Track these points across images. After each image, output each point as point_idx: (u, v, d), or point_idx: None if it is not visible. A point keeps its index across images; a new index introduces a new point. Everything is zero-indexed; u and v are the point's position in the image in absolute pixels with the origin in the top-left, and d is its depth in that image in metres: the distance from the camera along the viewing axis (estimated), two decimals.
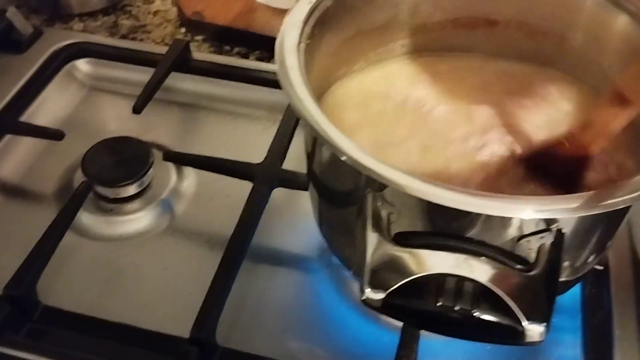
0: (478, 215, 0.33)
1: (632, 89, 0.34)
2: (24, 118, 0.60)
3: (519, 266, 0.30)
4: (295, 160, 0.53)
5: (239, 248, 0.47)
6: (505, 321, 0.29)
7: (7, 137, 0.58)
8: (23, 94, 0.61)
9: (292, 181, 0.52)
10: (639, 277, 0.47)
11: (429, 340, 0.43)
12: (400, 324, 0.42)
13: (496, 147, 0.41)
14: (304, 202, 0.48)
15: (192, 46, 0.64)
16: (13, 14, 0.64)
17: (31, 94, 0.61)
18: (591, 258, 0.40)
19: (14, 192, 0.55)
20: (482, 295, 0.29)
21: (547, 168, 0.39)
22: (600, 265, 0.47)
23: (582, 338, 0.45)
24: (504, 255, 0.30)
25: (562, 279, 0.40)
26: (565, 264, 0.39)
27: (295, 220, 0.52)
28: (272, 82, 0.60)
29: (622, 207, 0.30)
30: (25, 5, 0.71)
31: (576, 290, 0.47)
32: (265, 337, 0.45)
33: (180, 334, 0.43)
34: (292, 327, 0.46)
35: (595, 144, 0.37)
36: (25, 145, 0.58)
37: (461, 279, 0.29)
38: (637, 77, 0.34)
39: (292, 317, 0.47)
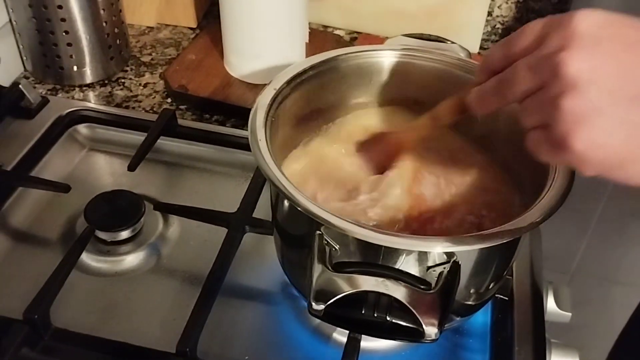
0: (403, 250, 0.44)
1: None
2: (33, 173, 0.68)
3: (422, 286, 0.41)
4: (263, 210, 0.61)
5: (215, 283, 0.57)
6: (410, 324, 0.40)
7: (19, 190, 0.66)
8: (32, 154, 0.69)
9: (261, 227, 0.61)
10: (537, 305, 0.58)
11: (368, 354, 0.54)
12: (344, 341, 0.52)
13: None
14: (270, 245, 0.58)
15: (177, 114, 0.73)
16: (25, 85, 0.73)
17: (39, 154, 0.70)
18: (492, 285, 0.52)
19: (25, 236, 0.64)
20: (394, 306, 0.41)
21: None
22: (505, 296, 0.58)
23: (489, 356, 0.56)
24: (410, 279, 0.41)
25: (469, 302, 0.52)
26: (471, 290, 0.50)
27: (263, 260, 0.61)
28: (245, 145, 0.66)
29: (492, 245, 0.42)
30: (32, 77, 0.81)
31: (486, 318, 0.58)
32: (236, 354, 0.55)
33: (167, 350, 0.52)
34: (258, 345, 0.56)
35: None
36: (34, 197, 0.66)
37: (379, 295, 0.40)
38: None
39: (259, 338, 0.56)
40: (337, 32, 0.91)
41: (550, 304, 0.62)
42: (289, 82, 0.54)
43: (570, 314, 0.62)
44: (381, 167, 0.55)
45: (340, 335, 0.55)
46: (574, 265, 1.15)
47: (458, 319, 0.53)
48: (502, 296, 0.58)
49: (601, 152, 0.37)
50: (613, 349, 0.88)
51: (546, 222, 0.45)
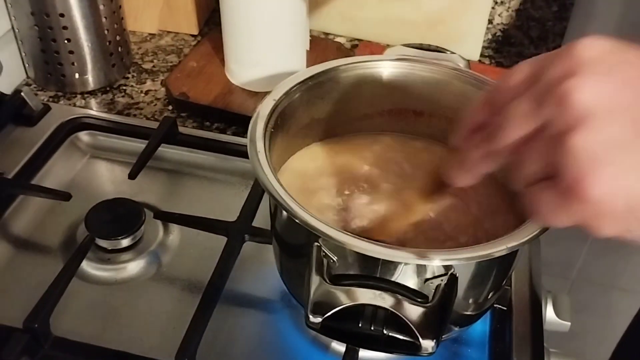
0: (400, 263, 0.45)
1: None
2: (34, 181, 0.68)
3: (419, 299, 0.41)
4: (263, 218, 0.61)
5: (215, 292, 0.57)
6: (406, 338, 0.40)
7: (20, 197, 0.66)
8: (34, 161, 0.69)
9: (260, 236, 0.61)
10: (535, 314, 0.58)
11: None
12: (343, 350, 0.52)
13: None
14: (270, 254, 0.58)
15: (178, 122, 0.73)
16: (27, 93, 0.74)
17: (40, 161, 0.70)
18: (490, 296, 0.52)
19: (26, 244, 0.64)
20: (391, 319, 0.41)
21: None
22: (504, 305, 0.58)
23: None
24: (408, 292, 0.41)
25: (468, 313, 0.52)
26: (469, 301, 0.50)
27: (262, 268, 0.62)
28: (245, 153, 0.66)
29: (490, 258, 0.42)
30: (34, 84, 0.81)
31: (485, 327, 0.58)
32: None
33: (166, 359, 0.53)
34: (257, 354, 0.56)
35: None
36: (35, 205, 0.66)
37: (376, 308, 0.41)
38: None
39: (258, 347, 0.56)
40: (338, 39, 0.91)
41: (549, 313, 0.62)
42: (288, 93, 0.54)
43: (569, 323, 0.62)
44: None
45: (339, 345, 0.56)
46: (575, 271, 1.15)
47: (457, 329, 0.53)
48: (500, 306, 0.58)
49: (625, 198, 0.31)
50: (613, 355, 0.88)
51: None
